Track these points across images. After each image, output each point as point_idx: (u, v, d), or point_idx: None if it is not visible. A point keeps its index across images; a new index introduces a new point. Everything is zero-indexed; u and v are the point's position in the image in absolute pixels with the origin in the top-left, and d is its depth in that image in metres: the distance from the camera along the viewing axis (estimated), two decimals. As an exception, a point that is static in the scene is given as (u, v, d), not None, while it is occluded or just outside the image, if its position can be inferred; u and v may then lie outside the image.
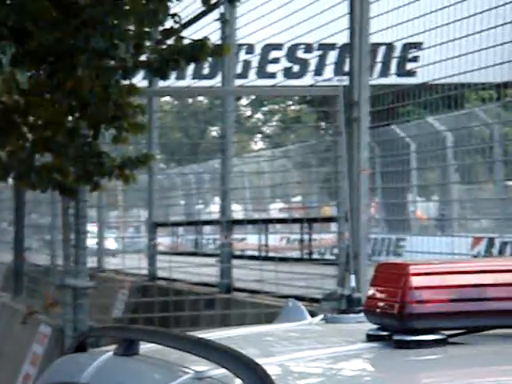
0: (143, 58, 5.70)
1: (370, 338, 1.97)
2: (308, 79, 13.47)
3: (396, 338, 1.89)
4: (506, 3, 5.62)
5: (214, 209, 13.15)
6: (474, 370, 1.80)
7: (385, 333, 1.94)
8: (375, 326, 1.98)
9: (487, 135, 11.36)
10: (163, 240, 14.00)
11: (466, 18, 6.21)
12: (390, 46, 11.23)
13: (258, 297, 7.65)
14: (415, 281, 1.89)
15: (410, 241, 13.51)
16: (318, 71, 13.78)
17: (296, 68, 14.58)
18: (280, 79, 12.71)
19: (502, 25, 5.67)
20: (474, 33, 6.06)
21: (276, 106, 36.75)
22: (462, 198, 13.50)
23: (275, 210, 14.92)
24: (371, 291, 2.00)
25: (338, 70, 11.34)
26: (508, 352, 1.90)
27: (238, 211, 13.14)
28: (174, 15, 5.52)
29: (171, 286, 9.02)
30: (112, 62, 5.49)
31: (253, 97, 32.63)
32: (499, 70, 7.12)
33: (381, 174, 12.07)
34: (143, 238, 11.72)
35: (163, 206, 13.06)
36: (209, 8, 7.26)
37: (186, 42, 5.61)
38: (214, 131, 34.90)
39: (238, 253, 11.28)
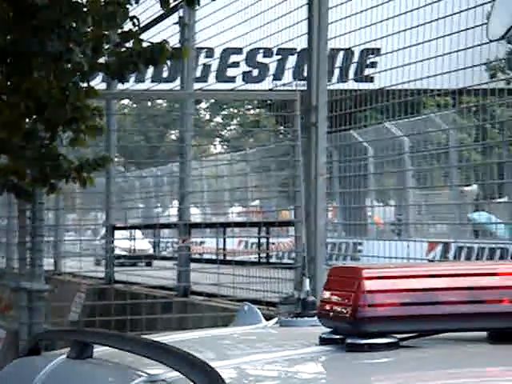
0: (102, 60, 5.68)
1: (323, 341, 1.98)
2: (267, 83, 13.51)
3: (348, 341, 1.90)
4: (462, 11, 5.70)
5: (172, 212, 13.12)
6: (424, 373, 1.82)
7: (338, 336, 1.95)
8: (328, 330, 2.00)
9: (443, 141, 11.48)
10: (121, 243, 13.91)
11: (423, 24, 6.28)
12: (348, 52, 11.30)
13: (215, 300, 7.66)
14: (368, 285, 1.90)
15: (367, 245, 13.60)
16: (278, 76, 13.82)
17: (255, 72, 14.61)
18: (239, 83, 12.73)
19: (457, 32, 5.74)
20: (430, 39, 6.13)
21: (235, 110, 36.76)
22: (419, 203, 13.62)
23: (234, 213, 14.92)
24: (324, 295, 2.01)
25: (297, 75, 11.38)
26: (458, 355, 1.93)
27: (196, 215, 13.11)
28: (132, 18, 5.50)
29: (128, 290, 8.99)
30: (69, 65, 5.46)
31: (212, 100, 32.61)
32: (455, 77, 7.19)
33: (339, 178, 12.13)
34: (101, 241, 11.66)
35: (121, 209, 13.00)
36: (168, 11, 7.26)
37: (144, 44, 5.60)
38: (173, 134, 34.83)
39: (196, 256, 11.26)
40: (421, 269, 2.04)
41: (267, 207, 14.38)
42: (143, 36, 5.82)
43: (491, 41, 3.90)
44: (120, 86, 9.00)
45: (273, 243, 11.61)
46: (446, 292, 1.95)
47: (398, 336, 1.93)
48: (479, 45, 5.04)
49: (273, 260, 12.38)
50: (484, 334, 2.02)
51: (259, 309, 2.58)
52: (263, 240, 11.22)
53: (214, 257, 10.87)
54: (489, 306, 1.94)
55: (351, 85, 11.74)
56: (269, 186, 13.08)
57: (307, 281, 3.16)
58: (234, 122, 37.78)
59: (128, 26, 5.55)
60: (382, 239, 13.64)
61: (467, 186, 12.82)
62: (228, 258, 10.52)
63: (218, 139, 37.93)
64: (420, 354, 1.92)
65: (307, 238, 6.27)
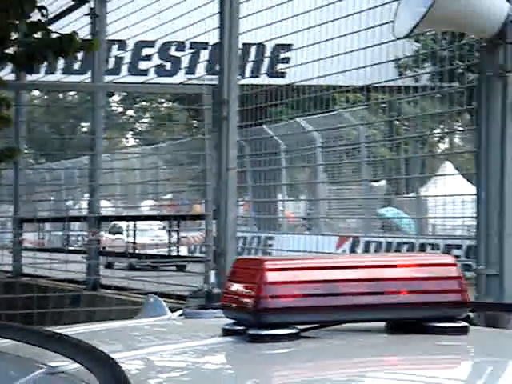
0: (9, 50, 5.58)
1: (226, 332, 2.00)
2: (180, 77, 13.48)
3: (250, 332, 1.92)
4: (371, 8, 5.78)
5: (83, 205, 12.98)
6: (323, 362, 1.85)
7: (240, 327, 1.97)
8: (232, 321, 2.01)
9: (354, 137, 11.63)
10: (29, 236, 13.71)
11: (334, 20, 6.34)
12: (260, 47, 11.35)
13: (125, 294, 7.62)
14: (270, 276, 1.92)
15: (279, 239, 13.71)
16: (191, 69, 13.79)
17: (168, 65, 14.56)
18: (152, 76, 12.67)
19: (365, 29, 5.81)
20: (340, 36, 6.21)
21: (148, 103, 36.50)
22: (330, 197, 13.76)
23: (146, 207, 14.85)
24: (228, 286, 2.03)
25: (210, 69, 11.39)
26: (356, 345, 1.97)
27: (107, 208, 12.99)
28: (41, 8, 5.43)
29: (35, 283, 8.87)
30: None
31: (125, 93, 32.34)
32: (364, 74, 7.29)
33: (252, 172, 12.19)
34: (8, 234, 11.47)
35: (31, 201, 12.81)
36: (78, 2, 7.18)
37: (53, 36, 5.53)
38: (85, 127, 34.40)
39: (107, 250, 11.16)
40: (323, 260, 2.07)
41: (180, 201, 14.34)
42: (52, 27, 5.74)
43: (398, 39, 3.98)
44: (30, 77, 8.85)
45: (184, 237, 11.59)
46: (347, 283, 1.98)
47: (300, 327, 1.95)
48: (386, 42, 5.12)
49: (185, 254, 12.36)
50: (383, 324, 2.06)
51: (169, 302, 2.58)
52: (173, 233, 11.20)
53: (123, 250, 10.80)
54: (387, 297, 1.98)
55: (264, 80, 11.80)
56: (181, 179, 13.07)
57: (212, 273, 3.18)
58: (147, 115, 37.54)
59: (37, 16, 5.47)
60: (293, 233, 13.78)
61: (376, 181, 13.03)
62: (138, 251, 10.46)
63: (130, 132, 37.64)
64: (320, 344, 1.95)
65: (217, 231, 6.29)
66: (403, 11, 3.80)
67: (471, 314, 2.15)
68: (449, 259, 2.05)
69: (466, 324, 1.99)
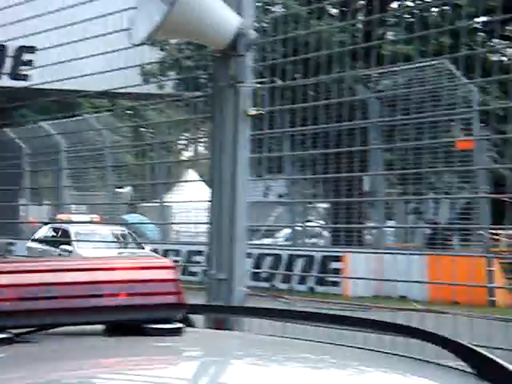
0: None
1: None
2: None
3: None
4: (111, 13, 5.76)
5: None
6: (38, 367, 1.83)
7: None
8: None
9: (99, 142, 11.59)
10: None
11: (75, 23, 6.27)
12: (2, 48, 11.04)
13: None
14: (-16, 279, 1.88)
15: (21, 245, 13.38)
16: None
17: None
18: None
19: (104, 34, 5.77)
20: (82, 39, 6.14)
21: None
22: (74, 202, 13.60)
23: None
24: None
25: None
26: (74, 348, 1.96)
27: None
28: None
29: None
30: None
31: None
32: (112, 79, 7.27)
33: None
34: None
35: None
36: None
37: None
38: None
39: None
40: (40, 264, 2.05)
41: None
42: None
43: (134, 45, 4.01)
44: None
45: None
46: (65, 286, 1.97)
47: (16, 331, 1.92)
48: (125, 48, 5.13)
49: None
50: (102, 327, 2.07)
51: None
52: None
53: None
54: (106, 300, 2.00)
55: (6, 82, 11.48)
56: None
57: None
58: None
59: None
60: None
61: (121, 187, 13.04)
62: None
63: None
64: (36, 348, 1.93)
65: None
66: (139, 18, 3.83)
67: (199, 316, 2.20)
68: (166, 262, 2.09)
69: (181, 326, 2.04)
